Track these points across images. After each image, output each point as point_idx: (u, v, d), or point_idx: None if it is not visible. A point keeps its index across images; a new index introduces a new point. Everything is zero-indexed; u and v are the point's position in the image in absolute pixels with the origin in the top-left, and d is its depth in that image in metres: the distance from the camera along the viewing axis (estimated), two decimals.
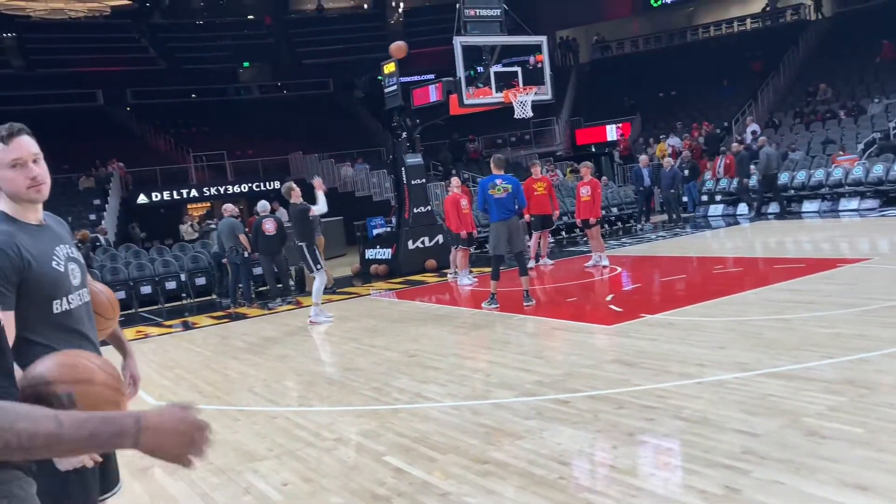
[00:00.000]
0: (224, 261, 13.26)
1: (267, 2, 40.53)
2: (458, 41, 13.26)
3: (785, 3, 31.91)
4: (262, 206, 12.75)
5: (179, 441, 1.57)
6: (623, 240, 16.52)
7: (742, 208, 18.59)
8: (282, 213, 14.47)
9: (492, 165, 9.96)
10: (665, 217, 19.04)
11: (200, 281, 14.67)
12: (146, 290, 14.28)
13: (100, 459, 2.32)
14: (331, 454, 4.81)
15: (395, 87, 14.86)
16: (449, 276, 13.15)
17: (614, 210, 19.53)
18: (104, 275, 13.70)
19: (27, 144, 2.46)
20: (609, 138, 28.96)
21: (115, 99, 31.94)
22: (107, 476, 2.62)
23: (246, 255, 12.73)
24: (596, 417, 4.87)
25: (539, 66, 13.92)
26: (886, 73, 24.28)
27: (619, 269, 11.85)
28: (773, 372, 5.38)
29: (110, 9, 36.88)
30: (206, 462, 4.92)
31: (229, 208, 13.38)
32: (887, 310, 6.89)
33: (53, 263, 2.47)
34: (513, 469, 4.17)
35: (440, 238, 14.90)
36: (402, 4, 41.00)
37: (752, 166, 18.23)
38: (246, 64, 37.98)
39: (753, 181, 18.17)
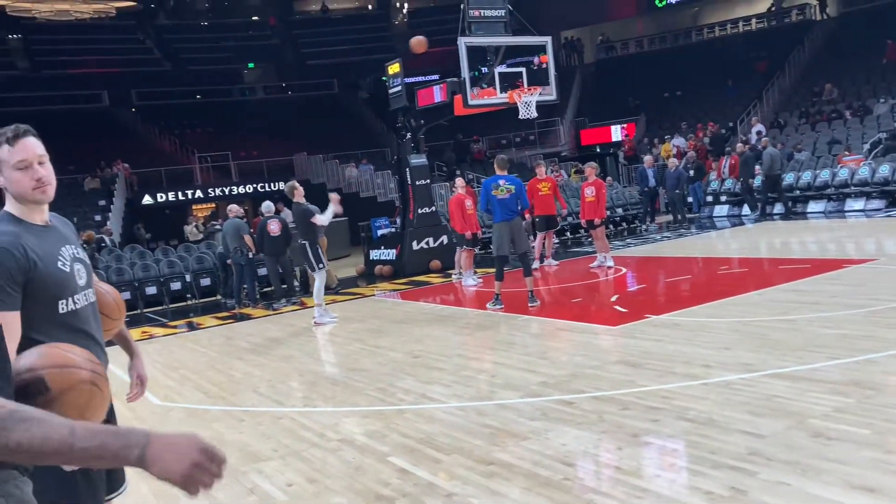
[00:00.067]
0: (229, 261, 13.28)
1: (271, 3, 40.61)
2: (463, 42, 13.26)
3: (790, 3, 31.84)
4: (267, 206, 12.77)
5: (186, 464, 1.53)
6: (628, 240, 16.49)
7: (747, 209, 18.54)
8: (286, 213, 14.47)
9: (495, 166, 9.96)
10: (670, 217, 19.01)
11: (205, 282, 14.70)
12: (151, 290, 14.31)
13: None
14: (335, 455, 4.81)
15: (399, 88, 14.87)
16: (454, 276, 13.15)
17: (619, 211, 19.49)
18: (109, 275, 13.72)
19: (33, 146, 2.46)
20: (614, 139, 28.93)
21: (121, 100, 32.03)
22: (113, 476, 2.62)
23: (250, 255, 12.75)
24: (601, 418, 4.86)
25: (543, 66, 13.91)
26: (892, 73, 24.22)
27: (624, 270, 11.83)
28: (778, 373, 5.36)
29: (115, 10, 37.01)
30: None
31: (234, 209, 13.40)
32: (894, 311, 6.86)
33: (59, 264, 2.47)
34: (518, 470, 4.16)
35: (444, 239, 14.90)
36: (406, 5, 41.04)
37: (756, 167, 18.19)
38: (251, 65, 38.05)
39: (758, 182, 18.13)
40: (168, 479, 1.53)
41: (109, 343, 2.82)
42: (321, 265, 10.12)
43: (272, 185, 25.88)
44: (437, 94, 14.15)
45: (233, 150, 28.30)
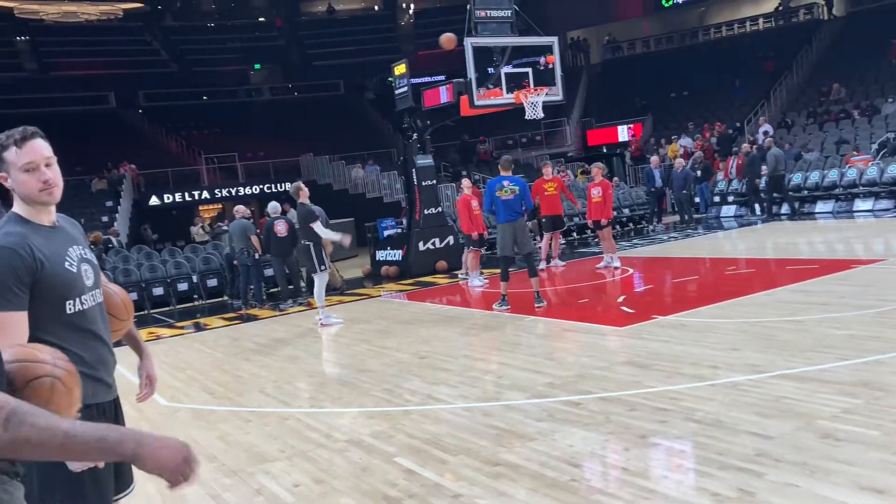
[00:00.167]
0: (235, 262, 13.31)
1: (277, 4, 40.69)
2: (469, 42, 13.25)
3: (797, 2, 31.72)
4: (273, 207, 12.79)
5: (177, 460, 1.70)
6: (635, 241, 16.46)
7: (757, 208, 18.48)
8: (292, 214, 14.50)
9: (500, 167, 9.95)
10: (677, 218, 18.96)
11: (212, 282, 14.73)
12: (158, 291, 14.35)
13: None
14: (342, 455, 4.80)
15: (405, 89, 14.88)
16: (460, 276, 13.16)
17: (626, 211, 19.46)
18: (116, 276, 13.77)
19: (40, 148, 2.47)
20: (620, 139, 28.86)
21: (127, 101, 32.13)
22: (121, 476, 2.63)
23: (257, 256, 12.77)
24: (608, 419, 4.85)
25: (550, 66, 13.89)
26: None
27: (631, 271, 11.80)
28: (786, 374, 5.34)
29: (122, 12, 37.18)
30: (219, 463, 4.94)
31: (241, 210, 13.43)
32: None
33: (66, 264, 2.48)
34: (524, 471, 4.16)
35: (451, 239, 14.91)
36: (412, 6, 41.05)
37: (763, 167, 18.14)
38: (257, 66, 38.12)
39: (765, 182, 18.10)
40: (160, 472, 1.68)
41: (118, 343, 2.82)
42: (323, 267, 10.11)
43: (278, 185, 25.93)
44: (444, 95, 14.15)
45: (239, 151, 28.36)
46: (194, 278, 14.69)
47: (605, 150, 28.39)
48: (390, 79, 15.69)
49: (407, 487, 4.15)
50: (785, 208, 17.55)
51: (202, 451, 5.26)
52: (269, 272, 13.74)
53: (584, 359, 6.59)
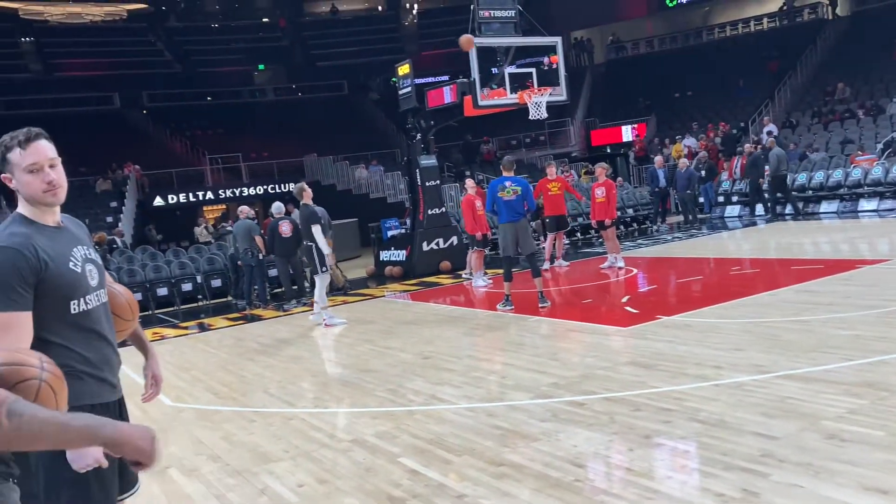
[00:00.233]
0: (239, 263, 13.32)
1: (281, 4, 40.73)
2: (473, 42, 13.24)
3: (802, 2, 31.65)
4: (277, 207, 12.80)
5: (148, 444, 1.88)
6: (639, 241, 16.44)
7: (758, 209, 18.45)
8: (297, 215, 14.50)
9: (502, 167, 9.96)
10: (681, 218, 18.94)
11: (216, 283, 14.75)
12: (162, 291, 14.37)
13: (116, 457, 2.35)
14: (346, 456, 4.81)
15: (409, 89, 14.89)
16: (464, 275, 13.17)
17: (630, 211, 19.43)
18: (121, 276, 13.79)
19: (44, 149, 2.48)
20: (624, 139, 28.84)
21: (132, 102, 32.21)
22: (126, 476, 2.63)
23: (261, 256, 12.78)
24: (612, 420, 4.84)
25: (554, 66, 13.88)
26: None
27: (635, 271, 11.79)
28: (791, 374, 5.33)
29: (126, 13, 37.27)
30: (223, 463, 4.95)
31: (245, 210, 13.45)
32: None
33: (70, 264, 2.49)
34: (528, 471, 4.15)
35: (454, 240, 14.91)
36: (416, 6, 41.07)
37: (766, 167, 18.13)
38: (261, 66, 38.17)
39: (767, 182, 18.08)
40: (135, 455, 1.86)
41: (123, 344, 2.83)
42: (325, 268, 10.11)
43: (282, 186, 25.96)
44: (447, 95, 14.15)
45: (243, 152, 28.40)
46: (198, 279, 14.70)
47: (608, 151, 28.36)
48: (394, 79, 15.71)
49: (411, 488, 4.15)
50: (789, 209, 17.51)
51: (207, 452, 5.27)
52: (272, 272, 13.75)
53: (588, 359, 6.58)
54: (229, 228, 17.08)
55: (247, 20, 39.90)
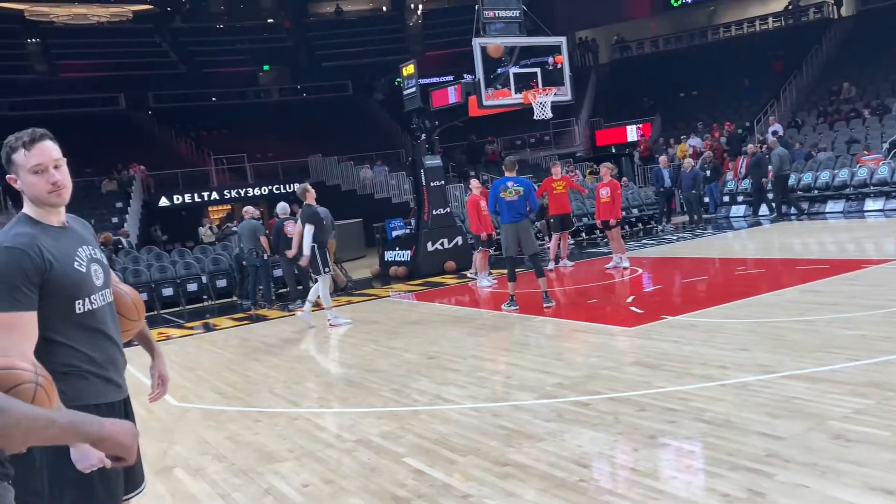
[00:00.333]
0: (244, 263, 13.34)
1: (286, 5, 40.79)
2: (478, 42, 13.25)
3: (807, 1, 31.58)
4: (282, 208, 12.81)
5: (129, 436, 1.94)
6: (644, 241, 16.42)
7: (762, 209, 18.42)
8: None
9: (504, 168, 9.96)
10: (686, 218, 18.90)
11: (221, 283, 14.77)
12: (168, 291, 14.40)
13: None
14: (351, 456, 4.81)
15: (414, 89, 14.89)
16: (469, 274, 13.18)
17: (635, 211, 19.41)
18: (126, 277, 13.82)
19: (49, 150, 2.49)
20: (629, 139, 28.82)
21: (137, 103, 32.29)
22: (131, 476, 2.64)
23: (265, 257, 12.80)
24: (617, 420, 4.84)
25: (558, 66, 13.87)
26: None
27: (640, 271, 11.77)
28: (796, 374, 5.32)
29: (132, 13, 37.37)
30: (228, 463, 4.96)
31: (250, 210, 13.47)
32: None
33: (75, 264, 2.49)
34: (533, 471, 4.15)
35: (459, 240, 14.91)
36: (420, 6, 41.08)
37: (769, 167, 18.11)
38: (266, 67, 38.23)
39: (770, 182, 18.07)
40: (118, 450, 1.92)
41: (129, 343, 2.83)
42: (327, 269, 10.09)
43: (287, 186, 25.99)
44: (452, 95, 14.15)
45: (248, 152, 28.44)
46: (204, 279, 14.73)
47: (613, 150, 28.35)
48: (398, 79, 15.71)
49: (416, 488, 4.15)
50: (786, 209, 17.50)
51: (212, 451, 5.28)
52: (277, 273, 13.77)
53: (593, 359, 6.58)
54: (234, 229, 17.12)
55: (251, 21, 39.96)
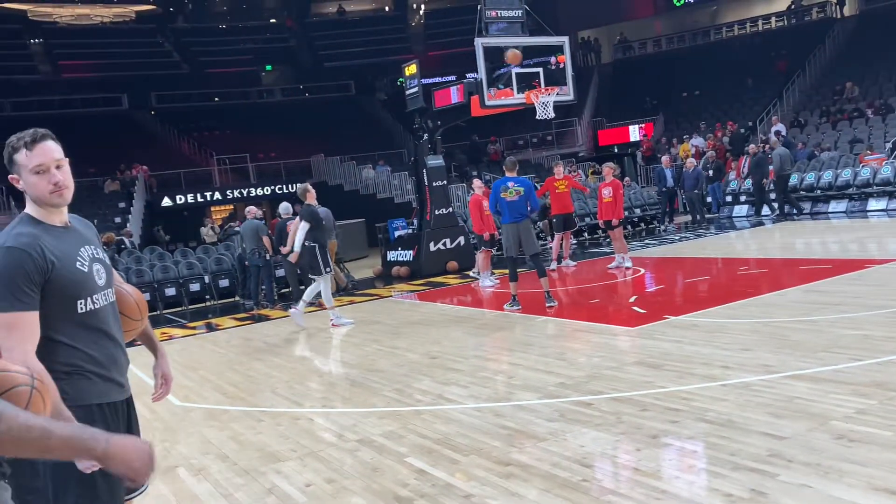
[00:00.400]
0: (247, 263, 13.35)
1: (288, 5, 40.81)
2: (480, 42, 13.25)
3: (810, 1, 31.54)
4: (285, 208, 12.82)
5: (141, 460, 1.82)
6: (646, 241, 16.41)
7: (764, 209, 18.41)
8: None
9: (504, 168, 9.96)
10: (689, 218, 18.89)
11: (224, 283, 14.79)
12: (170, 291, 14.42)
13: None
14: (353, 455, 4.81)
15: (416, 89, 14.89)
16: (472, 272, 13.19)
17: (637, 211, 19.40)
18: (129, 277, 13.84)
19: (50, 150, 2.49)
20: (632, 139, 28.79)
21: (140, 103, 32.32)
22: None
23: (268, 257, 12.80)
24: (619, 420, 4.83)
25: (561, 66, 13.87)
26: None
27: (643, 271, 11.77)
28: (799, 374, 5.31)
29: (134, 14, 37.42)
30: (231, 462, 4.96)
31: (253, 210, 13.47)
32: None
33: (77, 264, 2.50)
34: (535, 471, 4.15)
35: (461, 240, 14.92)
36: (423, 6, 41.08)
37: (770, 167, 18.11)
38: (268, 67, 38.25)
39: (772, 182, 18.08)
40: (125, 471, 1.80)
41: (132, 343, 2.84)
42: (328, 269, 10.06)
43: (290, 186, 25.98)
44: (454, 95, 14.15)
45: (251, 152, 28.46)
46: (206, 279, 14.75)
47: (616, 150, 28.33)
48: (401, 79, 15.72)
49: (418, 487, 4.15)
50: (789, 209, 17.49)
51: (215, 451, 5.29)
52: (280, 273, 13.78)
53: (596, 359, 6.57)
54: (237, 228, 17.14)
55: (254, 21, 40.00)
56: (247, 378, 7.64)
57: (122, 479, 1.86)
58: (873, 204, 16.62)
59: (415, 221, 16.43)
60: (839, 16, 30.01)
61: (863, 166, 17.47)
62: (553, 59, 13.91)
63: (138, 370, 5.84)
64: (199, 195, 26.52)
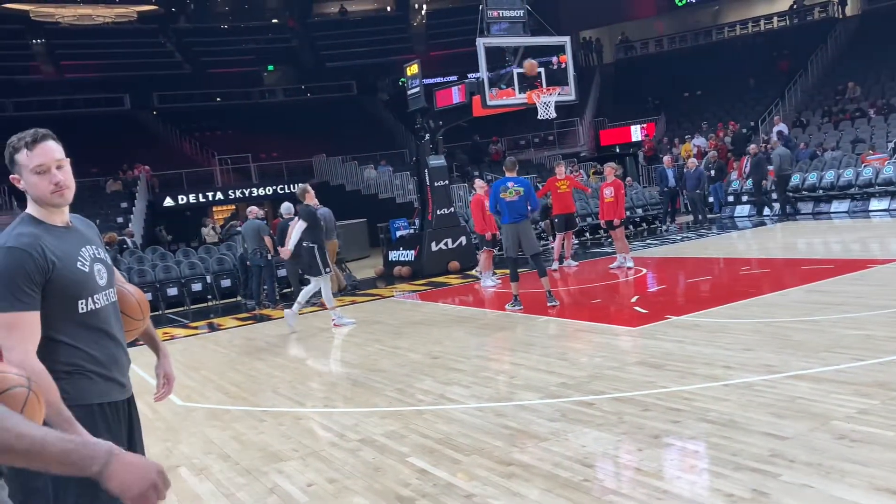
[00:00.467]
0: (248, 263, 13.36)
1: (290, 5, 40.82)
2: (481, 42, 13.25)
3: (812, 0, 31.51)
4: (286, 208, 12.81)
5: (141, 484, 1.67)
6: (648, 241, 16.40)
7: (765, 210, 18.40)
8: None
9: (504, 168, 9.96)
10: (690, 218, 18.88)
11: (226, 283, 14.80)
12: (172, 291, 14.43)
13: None
14: (355, 455, 4.81)
15: (418, 89, 14.90)
16: (475, 270, 13.21)
17: (639, 211, 19.38)
18: (131, 277, 13.85)
19: (51, 150, 2.49)
20: (634, 139, 28.77)
21: (142, 103, 32.35)
22: None
23: (269, 257, 12.80)
24: (621, 420, 4.83)
25: (562, 66, 13.87)
26: None
27: (644, 271, 11.76)
28: (801, 374, 5.31)
29: (136, 14, 37.45)
30: (233, 462, 4.96)
31: (254, 210, 13.48)
32: None
33: (78, 264, 2.50)
34: (537, 471, 4.15)
35: (463, 240, 14.92)
36: (424, 6, 41.08)
37: (769, 167, 18.11)
38: (270, 67, 38.26)
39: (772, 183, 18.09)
40: (123, 495, 1.66)
41: (133, 343, 2.84)
42: (328, 269, 10.03)
43: (291, 186, 25.97)
44: (456, 95, 14.15)
45: (252, 152, 28.48)
46: (208, 279, 14.76)
47: (618, 150, 28.31)
48: (403, 79, 15.73)
49: (420, 487, 4.15)
50: (789, 209, 17.49)
51: (216, 451, 5.29)
52: (282, 273, 13.79)
53: (597, 359, 6.57)
54: (238, 228, 17.15)
55: (256, 21, 40.01)
56: (249, 378, 7.65)
57: (132, 502, 1.69)
58: (875, 204, 16.60)
59: (416, 221, 16.43)
60: (841, 15, 29.98)
61: (865, 166, 17.45)
62: (555, 59, 13.91)
63: (140, 370, 5.85)
64: (201, 195, 26.54)
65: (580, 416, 5.01)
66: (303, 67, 38.44)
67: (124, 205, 23.74)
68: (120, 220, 22.07)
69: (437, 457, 4.58)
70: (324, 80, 36.47)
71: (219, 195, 27.05)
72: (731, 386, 5.25)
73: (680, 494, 3.67)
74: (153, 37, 37.36)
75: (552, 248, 13.52)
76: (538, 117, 13.67)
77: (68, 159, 2.54)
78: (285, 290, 14.05)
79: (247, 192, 26.92)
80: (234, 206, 28.29)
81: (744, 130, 24.95)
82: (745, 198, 19.54)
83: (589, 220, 18.13)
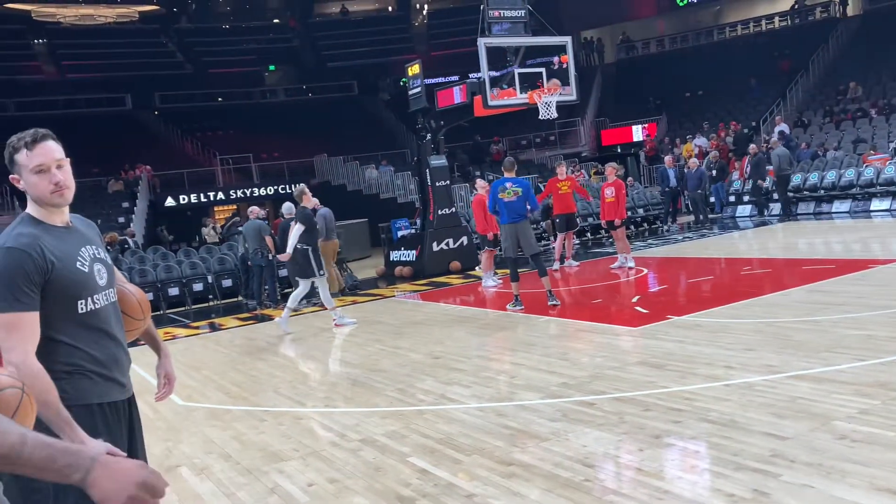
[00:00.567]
0: (250, 263, 13.36)
1: (291, 5, 40.83)
2: (483, 42, 13.24)
3: (813, 0, 31.49)
4: (287, 208, 12.80)
5: (124, 496, 1.58)
6: (649, 241, 16.40)
7: (772, 209, 18.39)
8: None
9: (503, 169, 9.97)
10: (692, 218, 18.87)
11: (227, 283, 14.80)
12: (174, 291, 14.44)
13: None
14: (356, 455, 4.82)
15: (419, 89, 14.90)
16: (478, 269, 13.23)
17: (640, 211, 19.37)
18: (132, 277, 13.86)
19: (51, 150, 2.49)
20: (635, 139, 28.75)
21: (144, 103, 32.37)
22: None
23: (270, 257, 12.81)
24: (622, 420, 4.83)
25: (564, 66, 13.86)
26: None
27: (645, 271, 11.76)
28: (802, 374, 5.30)
29: (138, 14, 37.48)
30: (233, 462, 4.96)
31: (256, 210, 13.48)
32: None
33: (78, 264, 2.50)
34: (538, 471, 4.15)
35: (464, 240, 14.91)
36: (426, 6, 41.09)
37: (769, 167, 18.10)
38: (271, 67, 38.27)
39: (769, 182, 18.09)
40: (105, 502, 1.58)
41: (134, 343, 2.84)
42: (322, 271, 10.00)
43: (293, 186, 25.92)
44: (457, 95, 14.15)
45: (254, 152, 28.48)
46: (209, 279, 14.76)
47: (619, 150, 28.29)
48: (404, 79, 15.74)
49: (420, 487, 4.15)
50: (783, 208, 17.48)
51: (217, 451, 5.30)
52: (283, 273, 13.78)
53: (598, 359, 6.57)
54: (240, 228, 17.15)
55: (257, 21, 40.02)
56: (249, 378, 7.65)
57: None
58: (877, 204, 16.58)
59: (418, 221, 16.44)
60: (842, 15, 29.95)
61: (866, 166, 17.44)
62: (556, 59, 13.91)
63: (141, 369, 5.86)
64: (202, 195, 26.54)
65: (581, 416, 5.01)
66: (304, 67, 38.45)
67: (126, 205, 23.75)
68: (121, 220, 22.08)
69: (437, 457, 4.59)
70: (325, 80, 36.48)
71: (220, 195, 27.05)
72: (732, 386, 5.25)
73: (681, 494, 3.67)
74: (154, 37, 37.38)
75: (553, 248, 13.51)
76: (539, 117, 13.66)
77: (68, 159, 2.54)
78: (286, 290, 14.04)
79: (248, 192, 26.92)
80: (235, 206, 28.31)
81: (745, 130, 24.93)
82: (746, 198, 19.53)
83: (590, 220, 18.12)
